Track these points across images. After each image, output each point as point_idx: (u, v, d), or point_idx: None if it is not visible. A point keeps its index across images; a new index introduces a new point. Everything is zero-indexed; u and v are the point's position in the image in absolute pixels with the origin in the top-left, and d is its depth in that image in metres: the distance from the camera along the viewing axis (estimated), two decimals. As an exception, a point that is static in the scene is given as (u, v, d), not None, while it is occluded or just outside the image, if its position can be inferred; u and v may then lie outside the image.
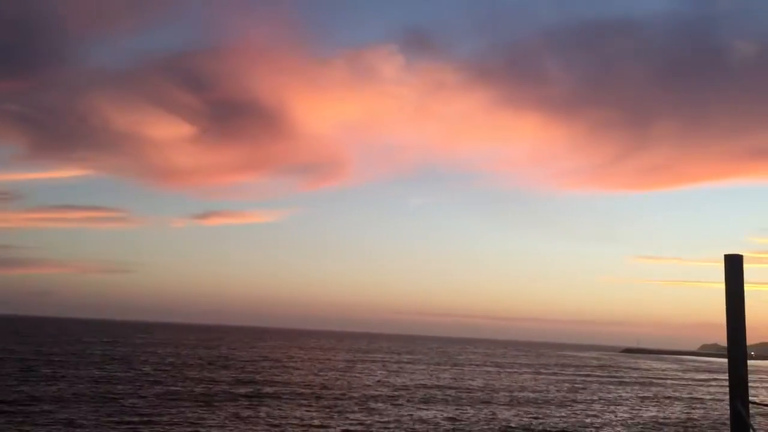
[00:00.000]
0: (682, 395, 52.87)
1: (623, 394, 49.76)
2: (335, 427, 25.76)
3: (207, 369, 50.44)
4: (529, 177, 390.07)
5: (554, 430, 28.48)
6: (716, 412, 39.56)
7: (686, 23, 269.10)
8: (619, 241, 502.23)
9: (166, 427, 24.02)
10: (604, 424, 31.21)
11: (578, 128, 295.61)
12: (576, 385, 56.48)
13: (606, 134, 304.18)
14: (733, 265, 6.63)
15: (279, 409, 29.62)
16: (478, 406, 35.24)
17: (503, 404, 37.26)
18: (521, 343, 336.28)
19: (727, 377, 6.65)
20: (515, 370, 77.09)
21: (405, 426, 27.01)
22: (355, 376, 51.33)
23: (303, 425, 25.80)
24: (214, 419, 25.96)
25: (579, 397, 44.65)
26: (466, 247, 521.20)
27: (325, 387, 40.90)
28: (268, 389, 37.57)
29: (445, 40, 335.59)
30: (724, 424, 32.11)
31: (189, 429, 23.89)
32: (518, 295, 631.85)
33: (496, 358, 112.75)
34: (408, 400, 36.15)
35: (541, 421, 31.02)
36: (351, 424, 26.61)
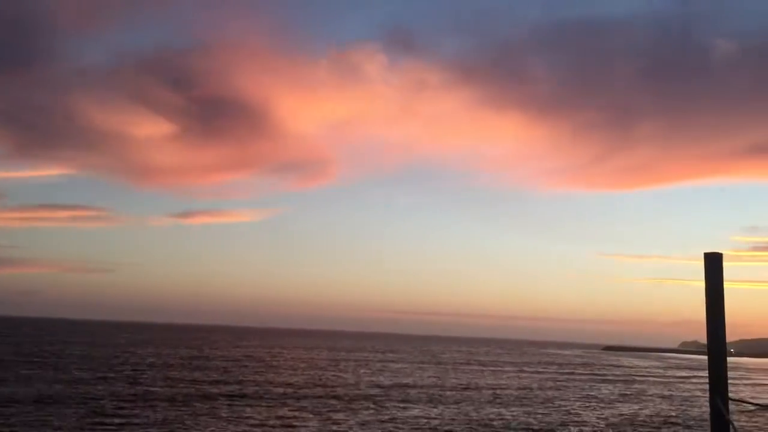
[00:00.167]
0: (663, 392, 53.34)
1: (605, 392, 50.11)
2: (317, 428, 25.68)
3: (188, 369, 50.12)
4: (513, 176, 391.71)
5: (537, 428, 28.60)
6: (696, 409, 39.96)
7: (668, 23, 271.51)
8: (601, 240, 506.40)
9: (147, 428, 23.82)
10: (586, 422, 31.40)
11: (561, 128, 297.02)
12: (559, 383, 56.82)
13: (589, 134, 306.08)
14: (713, 264, 6.66)
15: (261, 410, 29.48)
16: (460, 405, 35.31)
17: (486, 403, 37.38)
18: (504, 341, 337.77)
19: (707, 374, 6.68)
20: (498, 368, 77.40)
21: (387, 425, 27.00)
22: (338, 376, 51.25)
23: (285, 425, 25.70)
24: (194, 420, 25.78)
25: (562, 395, 44.91)
26: (451, 246, 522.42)
27: (307, 387, 40.80)
28: (250, 389, 37.41)
29: (428, 40, 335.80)
30: (705, 420, 32.43)
31: (169, 430, 23.71)
32: (502, 294, 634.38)
33: (479, 356, 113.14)
34: (391, 400, 36.15)
35: (523, 419, 31.14)
36: (333, 424, 26.55)
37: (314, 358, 78.22)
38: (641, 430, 30.11)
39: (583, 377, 68.45)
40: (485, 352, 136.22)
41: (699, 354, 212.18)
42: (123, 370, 45.68)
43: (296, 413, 28.87)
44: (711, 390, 6.56)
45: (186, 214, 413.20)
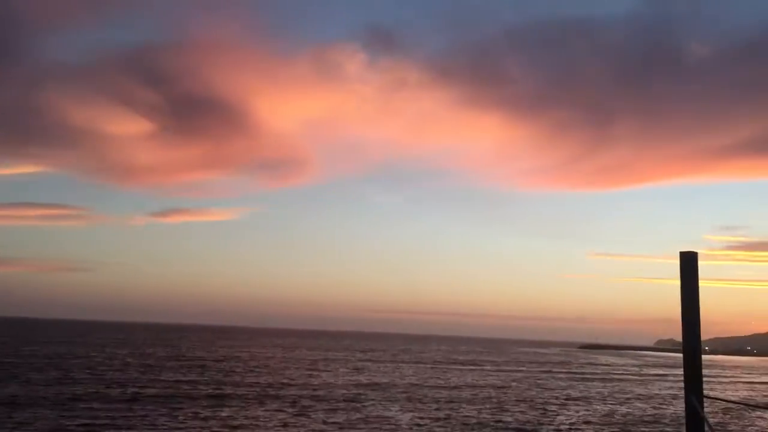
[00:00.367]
0: (639, 390, 53.94)
1: (581, 390, 50.56)
2: (297, 427, 25.63)
3: (167, 369, 49.70)
4: (492, 175, 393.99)
5: (513, 427, 28.77)
6: (672, 407, 40.47)
7: (645, 25, 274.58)
8: (579, 238, 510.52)
9: (124, 429, 23.60)
10: (563, 421, 31.67)
11: (540, 127, 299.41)
12: (537, 382, 57.23)
13: (567, 134, 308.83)
14: (688, 263, 6.76)
15: (240, 410, 29.34)
16: (439, 404, 35.42)
17: (465, 401, 37.53)
18: (483, 340, 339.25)
19: (683, 372, 6.78)
20: (477, 367, 77.75)
21: (367, 425, 27.02)
22: (317, 375, 51.16)
23: (264, 426, 25.61)
24: (173, 421, 25.60)
25: (538, 394, 45.24)
26: (430, 245, 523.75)
27: (286, 386, 40.68)
28: (228, 389, 37.21)
29: (408, 39, 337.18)
30: (680, 418, 32.84)
31: (147, 430, 23.53)
32: (481, 292, 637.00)
33: (458, 355, 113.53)
34: (369, 399, 36.17)
35: (500, 418, 31.32)
36: (312, 423, 26.51)
37: (293, 357, 77.98)
38: (617, 428, 30.42)
39: (559, 375, 69.00)
40: (464, 351, 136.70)
41: (674, 352, 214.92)
42: (101, 371, 45.19)
43: (274, 413, 28.77)
44: (686, 387, 6.67)
45: (164, 213, 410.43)
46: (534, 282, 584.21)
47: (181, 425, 24.64)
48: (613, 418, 33.70)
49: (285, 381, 44.19)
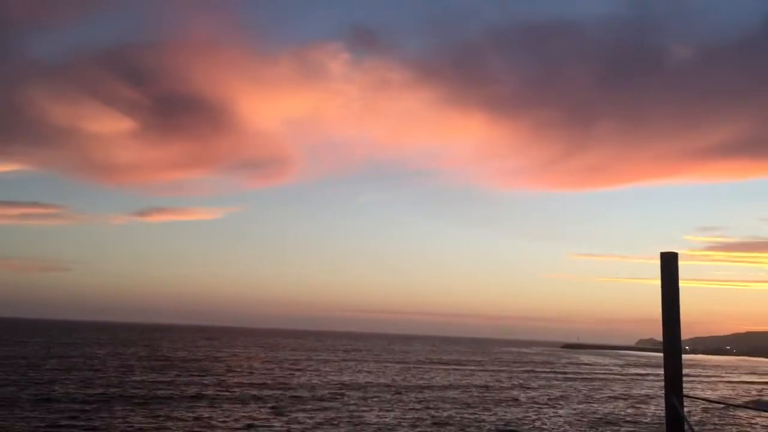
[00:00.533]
0: (620, 390, 54.32)
1: (564, 390, 50.83)
2: (277, 427, 25.51)
3: (148, 369, 49.29)
4: (475, 175, 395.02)
5: (497, 427, 28.84)
6: (653, 407, 40.79)
7: (626, 26, 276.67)
8: (561, 238, 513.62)
9: (102, 430, 23.34)
10: (546, 421, 31.79)
11: (522, 127, 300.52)
12: (520, 381, 57.45)
13: (549, 134, 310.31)
14: (669, 263, 6.79)
15: (221, 410, 29.13)
16: (422, 404, 35.43)
17: (447, 401, 37.56)
18: (466, 339, 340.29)
19: (663, 371, 6.80)
20: (461, 366, 77.91)
21: (348, 425, 26.95)
22: (299, 375, 50.98)
23: (244, 426, 25.45)
24: (153, 421, 25.35)
25: (521, 394, 45.41)
26: (413, 245, 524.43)
27: (268, 386, 40.50)
28: (209, 389, 36.96)
29: (391, 39, 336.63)
30: (660, 417, 33.10)
31: None
32: (464, 292, 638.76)
33: (441, 354, 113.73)
34: (352, 399, 36.10)
35: (483, 417, 31.38)
36: (293, 423, 26.39)
37: (276, 357, 77.65)
38: (598, 428, 30.58)
39: (542, 375, 69.33)
40: (446, 351, 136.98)
41: (655, 351, 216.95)
42: (79, 371, 44.70)
43: (255, 413, 28.61)
44: (666, 387, 6.69)
45: (146, 212, 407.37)
46: (517, 282, 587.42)
47: (160, 426, 24.40)
48: (595, 417, 33.87)
49: (267, 381, 43.99)
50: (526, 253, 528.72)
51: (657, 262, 6.91)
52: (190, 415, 27.23)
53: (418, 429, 26.85)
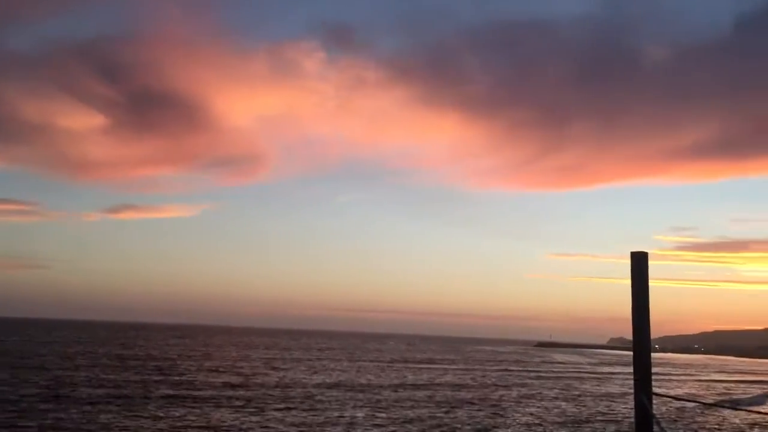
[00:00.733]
0: (591, 388, 54.94)
1: (536, 388, 51.26)
2: (249, 427, 25.37)
3: (119, 368, 48.68)
4: (450, 174, 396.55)
5: (469, 426, 28.97)
6: (623, 405, 41.29)
7: (602, 26, 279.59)
8: (535, 238, 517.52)
9: (72, 431, 23.03)
10: (517, 419, 32.03)
11: (497, 127, 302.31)
12: (493, 380, 57.81)
13: (524, 134, 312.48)
14: (639, 262, 6.87)
15: (194, 410, 28.90)
16: (395, 403, 35.48)
17: (421, 400, 37.66)
18: (441, 338, 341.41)
19: (633, 370, 6.89)
20: (434, 365, 78.17)
21: (322, 425, 26.91)
22: (273, 374, 50.77)
23: (218, 426, 25.28)
24: (124, 422, 25.06)
25: (494, 393, 45.70)
26: (388, 244, 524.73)
27: (242, 385, 40.25)
28: (183, 389, 36.63)
29: (366, 37, 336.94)
30: (631, 415, 33.53)
31: None
32: (439, 291, 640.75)
33: (416, 353, 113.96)
34: (326, 398, 36.03)
35: (456, 416, 31.52)
36: (267, 422, 26.27)
37: (250, 356, 77.19)
38: (569, 426, 30.87)
39: (515, 373, 69.84)
40: (423, 350, 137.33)
41: (625, 350, 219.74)
42: (51, 370, 43.98)
43: (227, 413, 28.43)
44: (636, 385, 6.78)
45: (119, 209, 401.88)
46: (491, 281, 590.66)
47: (131, 426, 24.12)
48: (566, 416, 34.20)
49: (241, 380, 43.72)
50: (500, 253, 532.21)
51: (629, 262, 7.00)
52: (162, 414, 26.97)
53: (392, 427, 26.88)
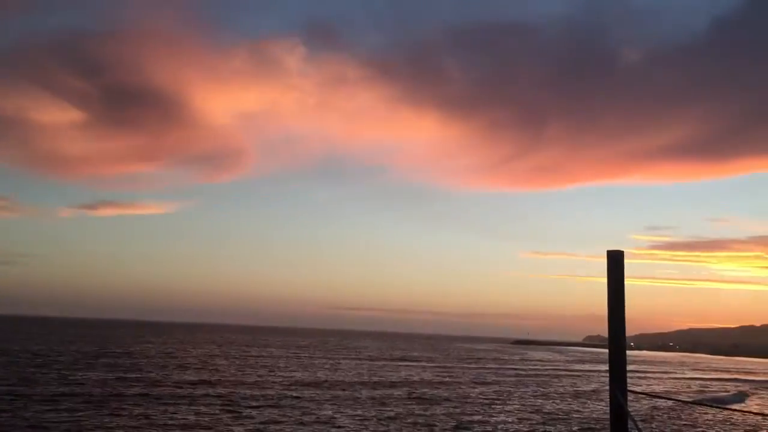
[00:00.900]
0: (567, 385, 55.38)
1: (513, 386, 51.54)
2: (226, 426, 25.19)
3: (93, 366, 48.09)
4: (429, 173, 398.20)
5: (446, 423, 29.04)
6: (599, 402, 41.67)
7: (578, 29, 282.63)
8: (513, 237, 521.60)
9: (42, 430, 22.68)
10: (493, 416, 32.16)
11: (476, 127, 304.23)
12: (471, 377, 58.04)
13: (502, 133, 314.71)
14: (615, 261, 6.89)
15: (170, 409, 28.61)
16: (372, 401, 35.46)
17: (398, 398, 37.68)
18: (418, 336, 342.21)
19: (608, 367, 6.91)
20: (411, 363, 78.27)
21: (300, 424, 26.81)
22: (250, 372, 50.49)
23: (194, 425, 25.06)
24: (97, 421, 24.74)
25: (471, 390, 45.87)
26: (367, 241, 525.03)
27: (219, 383, 39.97)
28: (159, 387, 36.26)
29: (348, 35, 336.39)
30: (605, 412, 33.82)
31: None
32: (417, 289, 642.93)
33: (393, 351, 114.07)
34: (304, 396, 35.91)
35: (432, 413, 31.57)
36: (244, 420, 26.11)
37: (227, 353, 76.69)
38: (544, 423, 31.06)
39: (492, 371, 70.18)
40: (401, 347, 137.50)
41: (601, 347, 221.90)
42: (21, 368, 43.31)
43: (203, 411, 28.19)
44: (611, 382, 6.80)
45: (95, 206, 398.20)
46: (468, 279, 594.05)
47: (104, 425, 23.81)
48: (542, 413, 34.40)
49: (218, 378, 43.41)
50: (478, 251, 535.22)
51: (604, 261, 7.01)
52: (137, 413, 26.66)
53: (369, 426, 26.85)
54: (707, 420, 33.94)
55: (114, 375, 41.77)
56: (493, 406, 35.69)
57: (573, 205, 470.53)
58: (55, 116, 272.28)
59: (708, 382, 70.30)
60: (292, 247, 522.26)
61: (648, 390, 52.60)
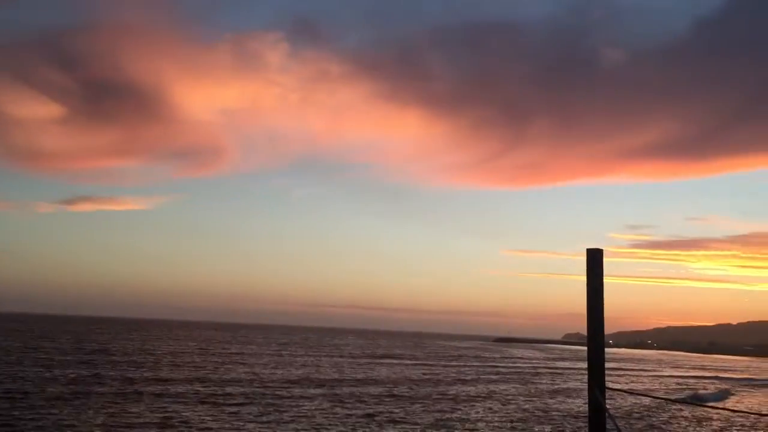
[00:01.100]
0: (547, 382, 55.77)
1: (494, 383, 51.79)
2: (208, 423, 25.07)
3: (70, 364, 47.57)
4: (413, 170, 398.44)
5: (427, 421, 29.11)
6: (578, 399, 42.00)
7: (562, 29, 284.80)
8: (494, 235, 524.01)
9: (19, 429, 22.42)
10: (473, 414, 32.30)
11: (459, 125, 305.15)
12: (450, 376, 58.23)
13: (486, 132, 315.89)
14: (594, 259, 6.95)
15: (149, 406, 28.41)
16: (353, 399, 35.46)
17: (377, 396, 37.71)
18: (401, 334, 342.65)
19: (587, 364, 6.98)
20: (393, 360, 78.36)
21: (283, 422, 26.76)
22: (232, 369, 50.25)
23: (176, 424, 24.91)
24: (75, 420, 24.51)
25: (452, 388, 46.01)
26: (349, 238, 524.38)
27: (200, 381, 39.74)
28: (138, 385, 35.99)
29: (332, 31, 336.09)
30: (583, 408, 34.06)
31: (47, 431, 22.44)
32: (400, 286, 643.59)
33: (374, 348, 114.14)
34: (286, 394, 35.83)
35: (413, 411, 31.64)
36: (224, 416, 26.00)
37: (208, 350, 76.23)
38: (523, 420, 31.25)
39: (473, 368, 70.48)
40: (381, 345, 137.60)
41: (581, 345, 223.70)
42: (-3, 365, 42.77)
43: (184, 408, 28.05)
44: (590, 379, 6.86)
45: (73, 201, 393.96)
46: (451, 277, 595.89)
47: (82, 423, 23.60)
48: (522, 410, 34.61)
49: (198, 375, 43.16)
50: (460, 249, 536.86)
51: (584, 259, 7.06)
52: (114, 411, 26.44)
53: (350, 423, 26.85)
54: (684, 416, 34.34)
55: (90, 372, 41.37)
56: (473, 404, 35.84)
57: (554, 203, 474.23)
58: (34, 110, 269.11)
59: (687, 380, 71.15)
60: (273, 244, 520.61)
61: (626, 387, 53.10)
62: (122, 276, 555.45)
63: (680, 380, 70.17)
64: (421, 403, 34.67)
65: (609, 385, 6.88)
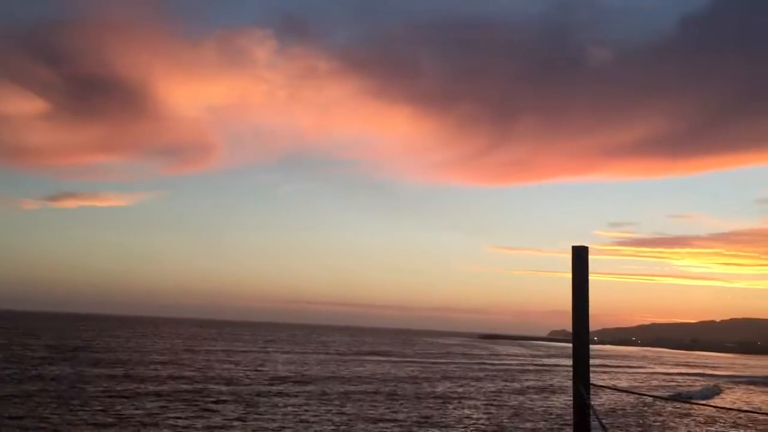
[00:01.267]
0: (532, 379, 56.03)
1: (481, 380, 51.97)
2: (193, 423, 24.98)
3: (57, 362, 47.21)
4: (400, 167, 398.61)
5: (414, 419, 29.16)
6: (562, 396, 42.24)
7: (549, 27, 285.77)
8: (480, 231, 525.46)
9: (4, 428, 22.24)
10: (458, 411, 32.40)
11: (447, 122, 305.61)
12: (438, 372, 58.35)
13: (473, 129, 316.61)
14: (579, 256, 6.96)
15: (134, 404, 28.25)
16: (338, 397, 35.46)
17: (363, 394, 37.74)
18: (386, 330, 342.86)
19: (572, 361, 7.01)
20: (379, 358, 78.43)
21: (271, 421, 26.71)
22: (215, 367, 50.09)
23: (162, 424, 24.80)
24: (58, 419, 24.33)
25: (438, 386, 46.11)
26: (336, 235, 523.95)
27: (183, 378, 39.58)
28: (122, 382, 35.79)
29: (320, 28, 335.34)
30: (570, 405, 34.26)
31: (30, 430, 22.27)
32: (386, 283, 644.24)
33: (361, 346, 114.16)
34: (274, 393, 35.76)
35: (399, 409, 31.69)
36: (213, 416, 25.92)
37: (191, 348, 75.90)
38: (509, 417, 31.38)
39: (458, 365, 70.67)
40: (367, 342, 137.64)
41: (566, 342, 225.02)
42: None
43: (169, 407, 27.91)
44: (574, 375, 6.89)
45: (58, 197, 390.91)
46: (437, 273, 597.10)
47: (66, 422, 23.43)
48: (508, 407, 34.75)
49: (184, 373, 42.97)
50: (448, 246, 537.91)
51: (569, 256, 7.08)
52: (99, 409, 26.28)
53: (335, 421, 26.85)
54: (667, 412, 34.62)
55: (75, 369, 41.08)
56: (459, 401, 35.94)
57: (539, 200, 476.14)
58: (19, 106, 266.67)
59: (673, 377, 71.74)
60: (260, 241, 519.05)
61: (610, 384, 53.44)
62: (108, 273, 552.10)
63: (666, 377, 70.75)
64: (408, 400, 34.72)
65: (593, 381, 6.91)
